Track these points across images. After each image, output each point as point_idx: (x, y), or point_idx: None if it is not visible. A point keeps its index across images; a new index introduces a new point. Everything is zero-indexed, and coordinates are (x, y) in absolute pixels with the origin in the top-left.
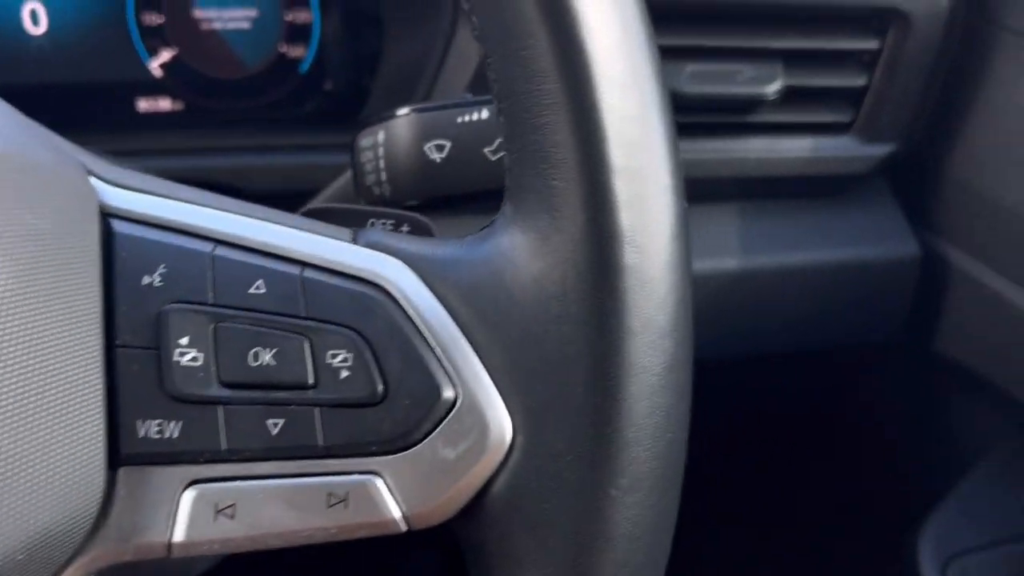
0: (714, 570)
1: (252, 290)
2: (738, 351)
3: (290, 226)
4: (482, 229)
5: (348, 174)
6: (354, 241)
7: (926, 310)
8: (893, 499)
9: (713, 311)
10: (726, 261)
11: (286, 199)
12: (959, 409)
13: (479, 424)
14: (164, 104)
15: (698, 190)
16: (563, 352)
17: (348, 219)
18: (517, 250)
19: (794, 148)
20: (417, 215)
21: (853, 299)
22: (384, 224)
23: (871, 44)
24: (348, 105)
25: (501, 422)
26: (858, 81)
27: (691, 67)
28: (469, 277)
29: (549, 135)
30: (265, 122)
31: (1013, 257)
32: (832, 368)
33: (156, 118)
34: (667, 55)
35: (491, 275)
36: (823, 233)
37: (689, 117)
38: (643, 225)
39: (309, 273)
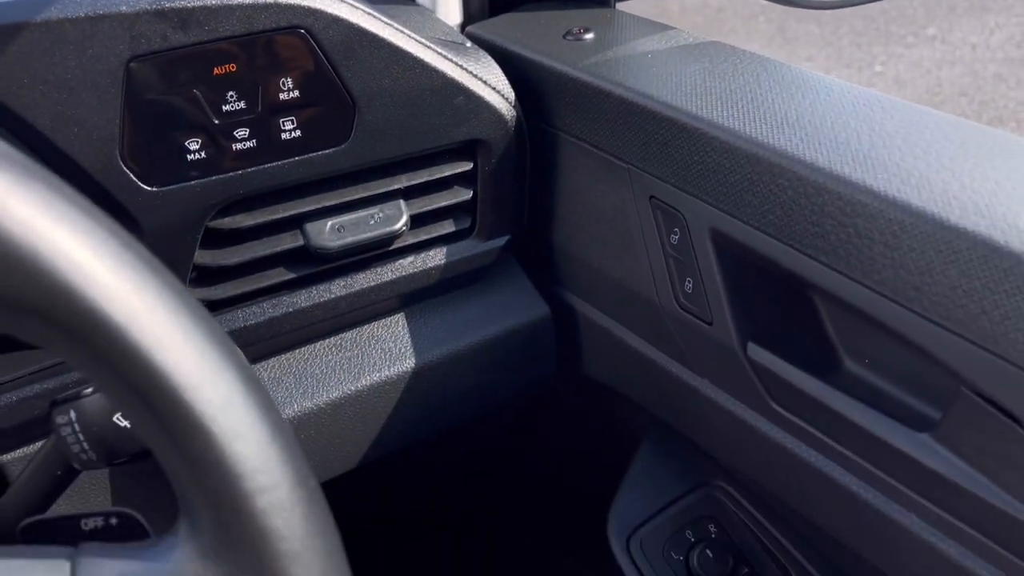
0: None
1: None
2: (437, 426)
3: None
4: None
5: (52, 440)
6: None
7: (572, 346)
8: (585, 496)
9: (408, 400)
10: (406, 362)
11: None
12: (619, 413)
13: None
14: None
15: (368, 313)
16: None
17: (62, 527)
18: (200, 560)
19: (433, 259)
20: (126, 510)
21: (513, 361)
22: (96, 523)
23: (467, 166)
24: None
25: None
26: (466, 196)
27: (330, 222)
28: None
29: (185, 473)
30: None
31: (613, 304)
32: (517, 411)
33: None
34: (309, 217)
35: None
36: (475, 316)
37: (342, 261)
38: (283, 523)
39: None
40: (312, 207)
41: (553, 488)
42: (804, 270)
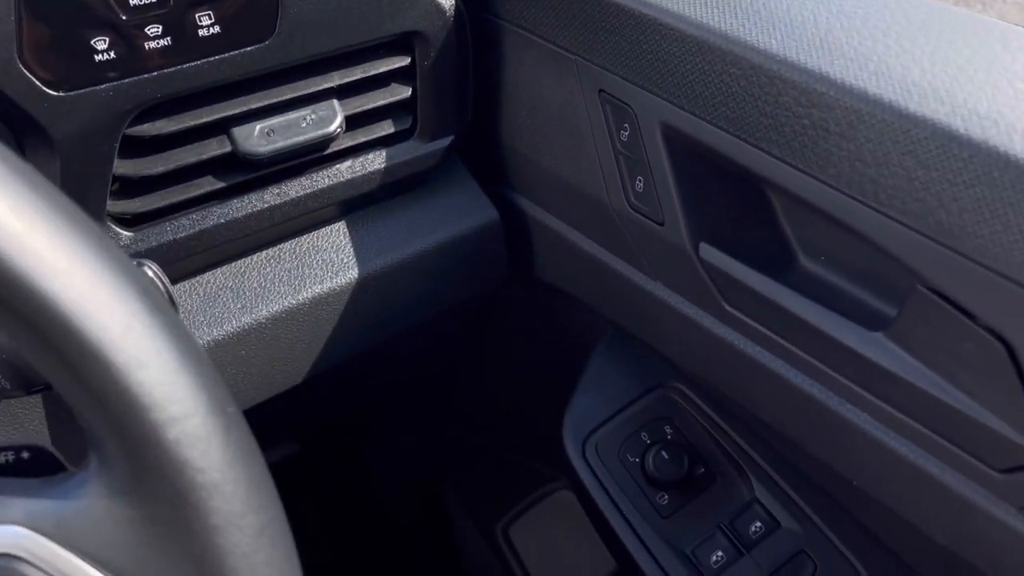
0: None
1: None
2: (384, 336)
3: None
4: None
5: None
6: None
7: (522, 250)
8: (541, 400)
9: (352, 312)
10: (349, 272)
11: None
12: (573, 316)
13: None
14: None
15: (306, 222)
16: (177, 563)
17: None
18: (112, 496)
19: (372, 163)
20: (39, 444)
21: (461, 266)
22: (6, 458)
23: (404, 61)
24: None
25: None
26: (405, 93)
27: (259, 126)
28: (84, 528)
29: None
30: None
31: (563, 205)
32: (468, 316)
33: None
34: (236, 121)
35: (99, 521)
36: (420, 222)
37: (274, 168)
38: (199, 454)
39: None
40: (238, 110)
41: (509, 393)
42: (758, 165)
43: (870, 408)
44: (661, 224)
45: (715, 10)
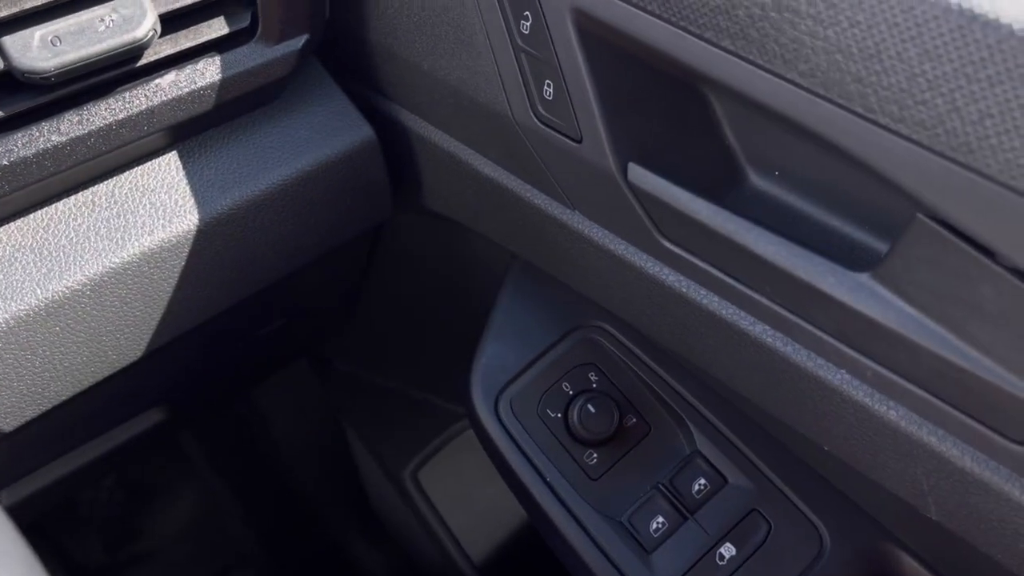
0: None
1: None
2: (243, 291)
3: None
4: None
5: None
6: None
7: (407, 175)
8: (448, 334)
9: (197, 266)
10: (187, 216)
11: None
12: (474, 252)
13: None
14: None
15: (125, 156)
16: None
17: None
18: None
19: (203, 75)
20: None
21: (333, 199)
22: None
23: None
24: None
25: None
26: None
27: (39, 32)
28: None
29: None
30: None
31: (454, 118)
32: (352, 256)
33: None
34: (6, 27)
35: None
36: (274, 147)
37: (68, 89)
38: None
39: None
40: (7, 11)
41: (410, 330)
42: (701, 61)
43: (850, 365)
44: (578, 141)
45: None
